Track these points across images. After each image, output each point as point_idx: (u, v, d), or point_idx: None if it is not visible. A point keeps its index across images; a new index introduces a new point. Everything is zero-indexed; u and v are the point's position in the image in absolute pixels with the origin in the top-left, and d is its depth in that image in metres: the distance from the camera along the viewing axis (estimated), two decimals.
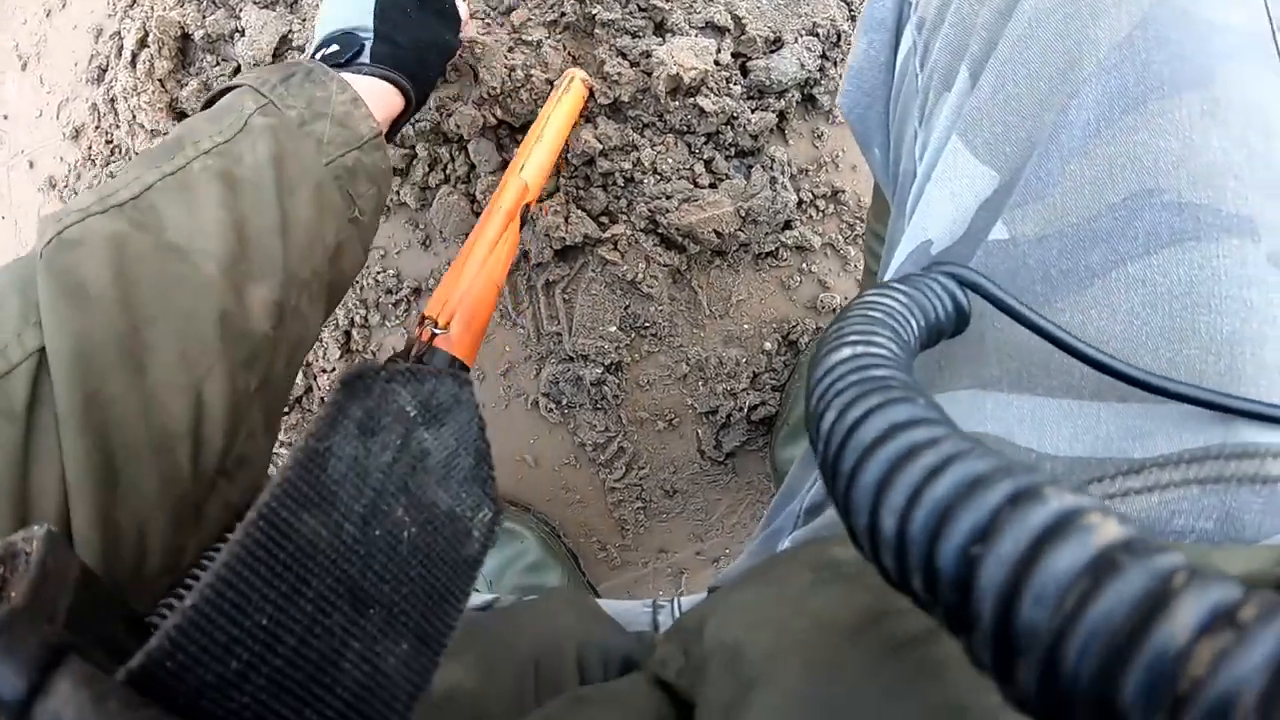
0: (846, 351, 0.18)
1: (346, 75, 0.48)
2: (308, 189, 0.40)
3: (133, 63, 0.79)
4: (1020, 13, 0.28)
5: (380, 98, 0.49)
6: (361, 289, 0.73)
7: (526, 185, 0.56)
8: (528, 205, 0.56)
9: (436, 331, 0.47)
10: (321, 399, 0.76)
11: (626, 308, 0.70)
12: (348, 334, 0.74)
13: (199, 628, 0.16)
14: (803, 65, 0.71)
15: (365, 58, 0.50)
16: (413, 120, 0.71)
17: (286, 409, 0.76)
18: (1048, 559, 0.11)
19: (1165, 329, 0.23)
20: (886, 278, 0.33)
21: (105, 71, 0.84)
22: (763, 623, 0.24)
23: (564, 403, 0.71)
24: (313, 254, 0.40)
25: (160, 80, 0.77)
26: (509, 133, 0.70)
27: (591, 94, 0.68)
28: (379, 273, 0.73)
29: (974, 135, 0.28)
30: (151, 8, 0.79)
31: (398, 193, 0.71)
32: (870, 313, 0.21)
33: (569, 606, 0.35)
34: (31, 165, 0.93)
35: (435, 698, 0.30)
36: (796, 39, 0.73)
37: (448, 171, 0.70)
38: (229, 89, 0.44)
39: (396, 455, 0.21)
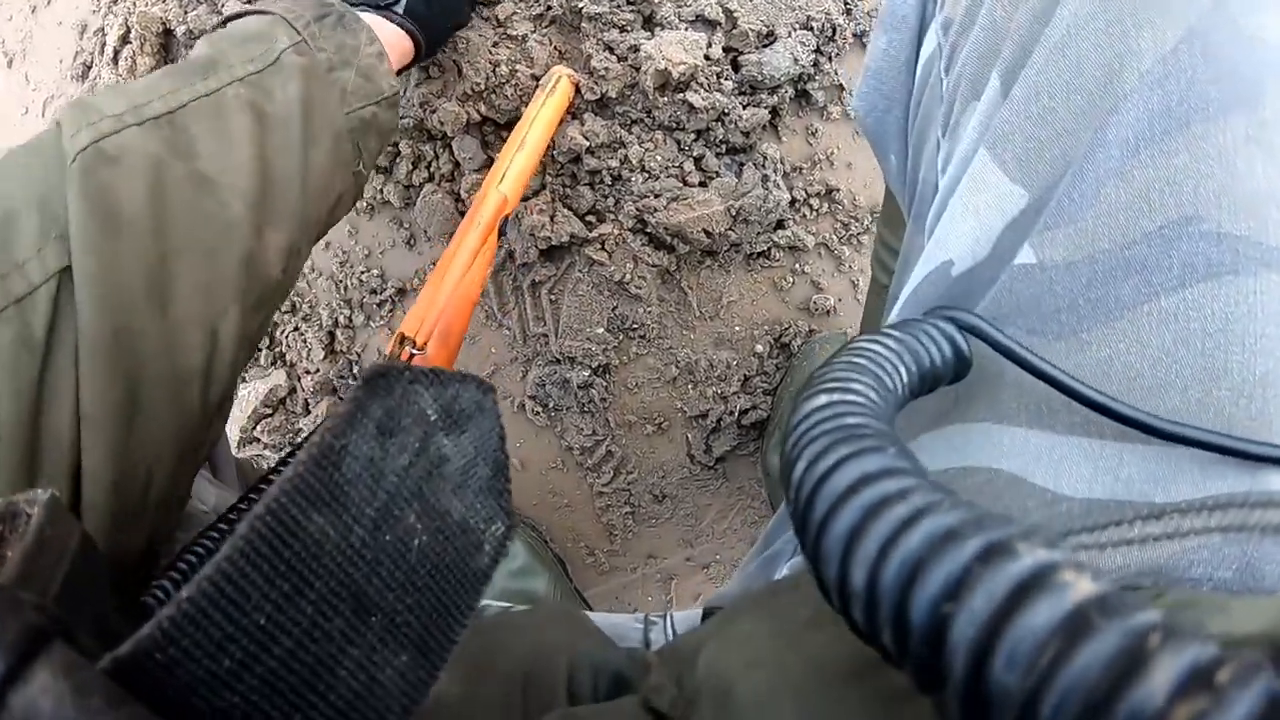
0: (822, 399, 0.18)
1: (373, 18, 0.49)
2: (328, 138, 0.41)
3: (115, 59, 0.78)
4: (1059, 18, 0.25)
5: (398, 50, 0.52)
6: (345, 289, 0.72)
7: (506, 198, 0.55)
8: (506, 217, 0.55)
9: (414, 352, 0.47)
10: (305, 401, 0.74)
11: (614, 309, 0.69)
12: (332, 335, 0.73)
13: (193, 621, 0.16)
14: (796, 60, 0.69)
15: (400, 6, 0.52)
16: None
17: (270, 410, 0.75)
18: (1020, 617, 0.11)
19: (1196, 368, 0.22)
20: (900, 300, 0.31)
21: (89, 69, 0.83)
22: (758, 662, 0.23)
23: (551, 406, 0.69)
24: (322, 203, 0.41)
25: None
26: (494, 129, 0.69)
27: (578, 91, 0.67)
28: (363, 273, 0.71)
29: (1004, 150, 0.26)
30: (134, 3, 0.77)
31: (381, 190, 0.70)
32: (855, 359, 0.21)
33: (560, 620, 0.35)
34: None
35: (423, 706, 0.29)
36: (790, 33, 0.71)
37: (431, 169, 0.69)
38: (254, 12, 0.44)
39: (414, 459, 0.20)
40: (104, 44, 0.79)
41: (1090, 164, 0.24)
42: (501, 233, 0.55)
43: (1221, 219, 0.22)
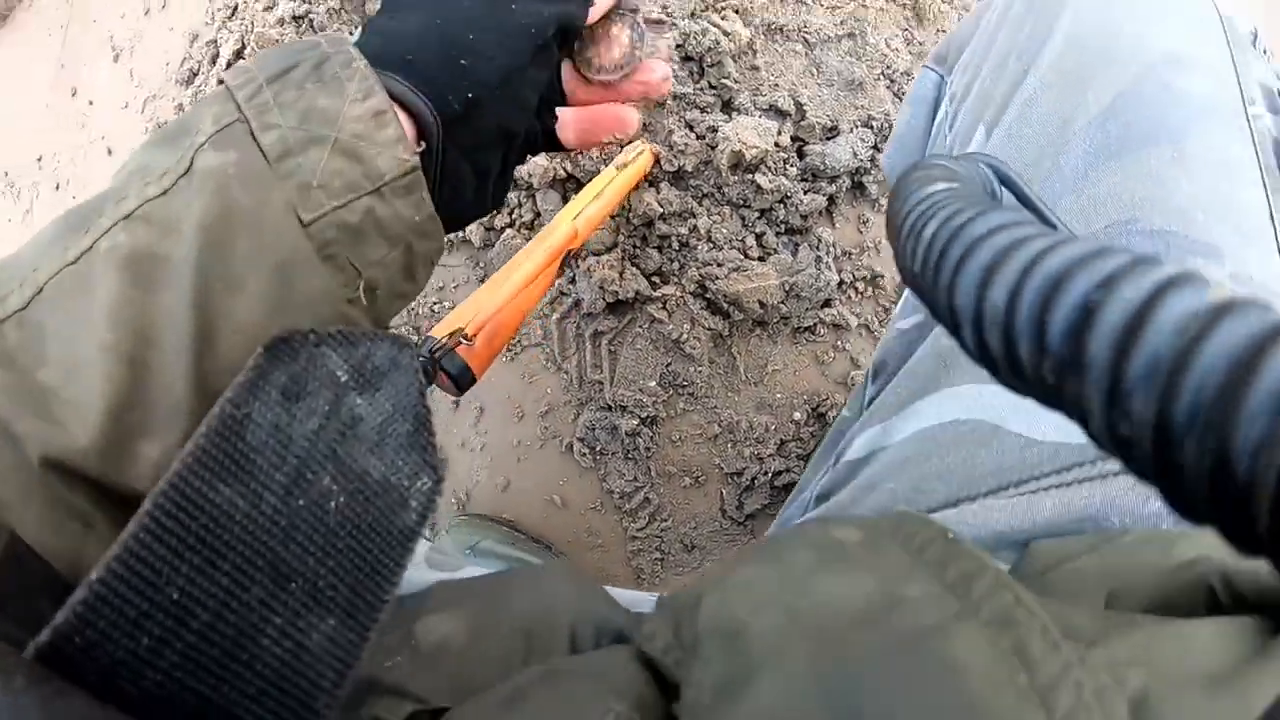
0: (941, 186, 0.18)
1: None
2: (263, 274, 0.26)
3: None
4: (1027, 84, 0.34)
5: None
6: (415, 315, 0.77)
7: (576, 232, 0.58)
8: (570, 252, 0.58)
9: (463, 340, 0.47)
10: None
11: (668, 365, 0.74)
12: None
13: (105, 601, 0.16)
14: (855, 154, 0.75)
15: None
16: None
17: None
18: (1169, 298, 0.12)
19: None
20: (902, 300, 0.38)
21: (195, 75, 0.88)
22: (766, 604, 0.23)
23: (598, 449, 0.74)
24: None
25: None
26: (575, 187, 0.74)
27: (657, 162, 0.72)
28: (434, 303, 0.76)
29: None
30: (251, 23, 0.83)
31: (464, 230, 0.75)
32: (951, 179, 0.21)
33: (568, 578, 0.34)
34: (110, 152, 0.97)
35: (426, 648, 0.29)
36: (852, 129, 0.77)
37: (514, 216, 0.74)
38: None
39: (324, 422, 0.20)
40: (216, 55, 0.85)
41: (1050, 184, 0.32)
42: (563, 265, 0.58)
43: (1154, 220, 0.29)
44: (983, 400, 0.31)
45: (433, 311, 0.76)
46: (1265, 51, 0.34)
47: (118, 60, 0.97)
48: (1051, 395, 0.14)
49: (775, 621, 0.22)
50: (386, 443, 0.22)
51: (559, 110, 0.40)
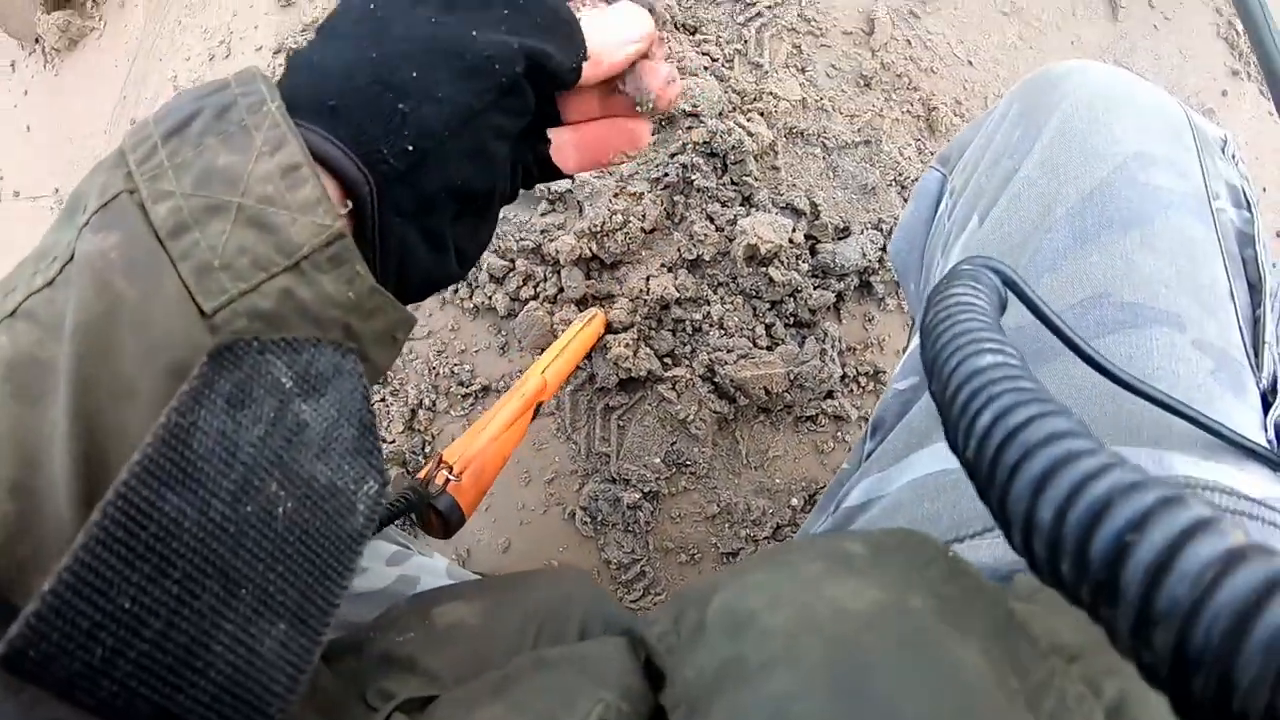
0: (989, 359, 0.20)
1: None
2: (157, 378, 0.21)
3: None
4: (1017, 179, 0.39)
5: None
6: (436, 375, 0.80)
7: (546, 384, 0.63)
8: (540, 402, 0.63)
9: (450, 477, 0.50)
10: None
11: (673, 444, 0.76)
12: (414, 412, 0.81)
13: (58, 613, 0.16)
14: (864, 255, 0.80)
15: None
16: (517, 237, 0.79)
17: None
18: (1191, 547, 0.13)
19: (1110, 392, 0.30)
20: (904, 357, 0.43)
21: None
22: (780, 601, 0.23)
23: (599, 519, 0.76)
24: None
25: None
26: (599, 267, 0.78)
27: (608, 327, 0.76)
28: (455, 365, 0.79)
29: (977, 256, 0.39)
30: None
31: (490, 297, 0.79)
32: (976, 314, 0.22)
33: (583, 581, 0.36)
34: None
35: (440, 628, 0.30)
36: (863, 230, 0.81)
37: (538, 289, 0.78)
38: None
39: (270, 428, 0.20)
40: None
41: (1033, 264, 0.36)
42: (535, 413, 0.62)
43: (1124, 294, 0.33)
44: None
45: (452, 372, 0.79)
46: (1234, 156, 0.38)
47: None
48: (1087, 608, 0.16)
49: (788, 616, 0.22)
50: (332, 448, 0.21)
51: (553, 132, 0.32)
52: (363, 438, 0.22)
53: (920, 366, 0.37)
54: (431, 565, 0.46)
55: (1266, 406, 0.32)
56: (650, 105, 0.32)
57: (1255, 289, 0.35)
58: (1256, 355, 0.34)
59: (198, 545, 0.18)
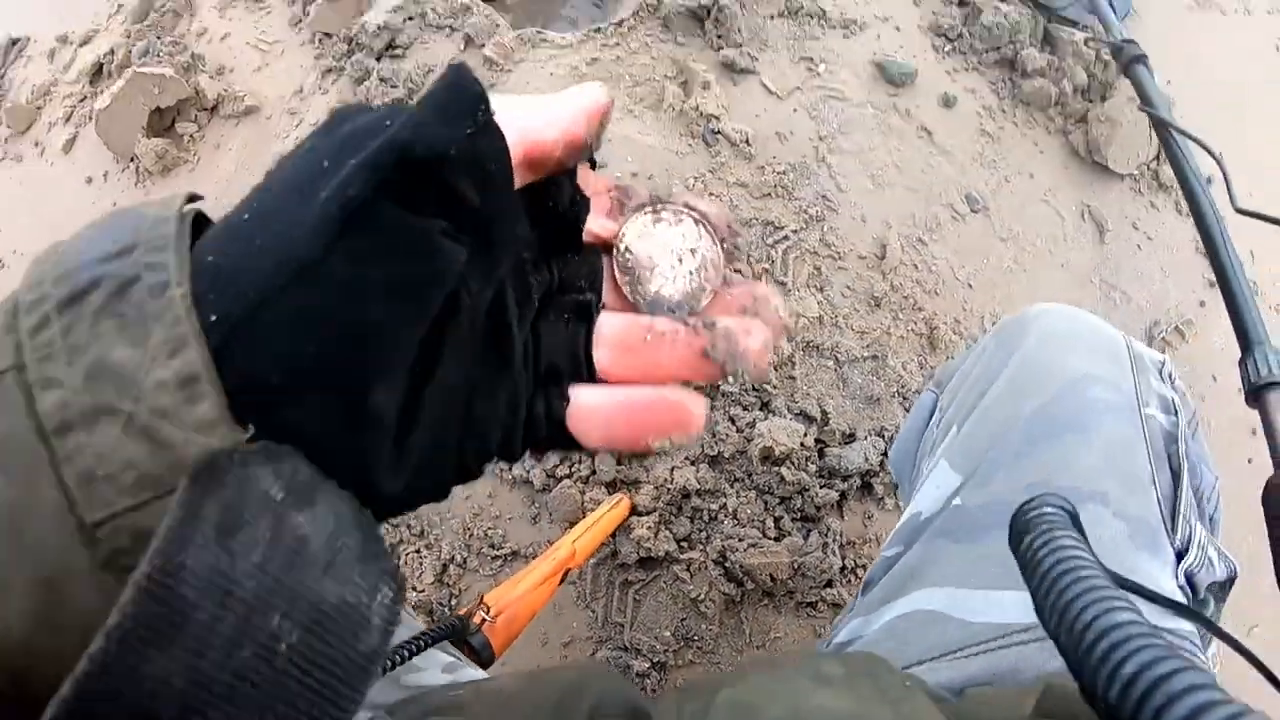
0: (1124, 615, 0.21)
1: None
2: (27, 588, 0.19)
3: None
4: (988, 395, 0.49)
5: None
6: (470, 535, 0.88)
7: (575, 553, 0.71)
8: (569, 569, 0.71)
9: (486, 618, 0.58)
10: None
11: (683, 620, 0.84)
12: (445, 567, 0.88)
13: None
14: (867, 459, 0.89)
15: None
16: None
17: None
18: None
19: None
20: (893, 532, 0.53)
21: None
22: (776, 699, 0.29)
23: None
24: None
25: None
26: (630, 455, 0.87)
27: (633, 511, 0.85)
28: (489, 529, 0.87)
29: (953, 457, 0.49)
30: None
31: (528, 471, 0.87)
32: (1084, 565, 0.24)
33: (609, 673, 0.40)
34: None
35: (486, 690, 0.35)
36: (867, 436, 0.91)
37: (573, 469, 0.87)
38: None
39: (269, 551, 0.18)
40: None
41: (994, 463, 0.46)
42: (563, 579, 0.71)
43: (1063, 480, 0.43)
44: (934, 599, 0.44)
45: (485, 535, 0.87)
46: (1169, 376, 0.49)
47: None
48: None
49: (784, 710, 0.29)
50: (339, 559, 0.19)
51: (575, 391, 0.25)
52: (368, 543, 0.20)
53: (904, 537, 0.50)
54: (483, 679, 0.53)
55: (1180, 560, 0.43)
56: (742, 373, 0.25)
57: (1177, 476, 0.45)
58: (1174, 522, 0.43)
59: (186, 702, 0.16)
